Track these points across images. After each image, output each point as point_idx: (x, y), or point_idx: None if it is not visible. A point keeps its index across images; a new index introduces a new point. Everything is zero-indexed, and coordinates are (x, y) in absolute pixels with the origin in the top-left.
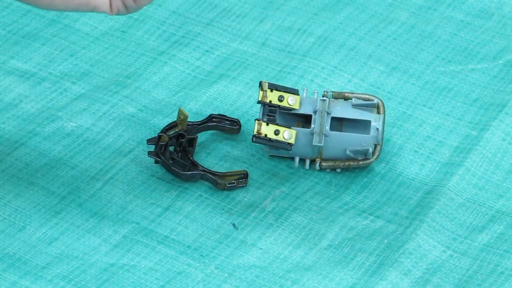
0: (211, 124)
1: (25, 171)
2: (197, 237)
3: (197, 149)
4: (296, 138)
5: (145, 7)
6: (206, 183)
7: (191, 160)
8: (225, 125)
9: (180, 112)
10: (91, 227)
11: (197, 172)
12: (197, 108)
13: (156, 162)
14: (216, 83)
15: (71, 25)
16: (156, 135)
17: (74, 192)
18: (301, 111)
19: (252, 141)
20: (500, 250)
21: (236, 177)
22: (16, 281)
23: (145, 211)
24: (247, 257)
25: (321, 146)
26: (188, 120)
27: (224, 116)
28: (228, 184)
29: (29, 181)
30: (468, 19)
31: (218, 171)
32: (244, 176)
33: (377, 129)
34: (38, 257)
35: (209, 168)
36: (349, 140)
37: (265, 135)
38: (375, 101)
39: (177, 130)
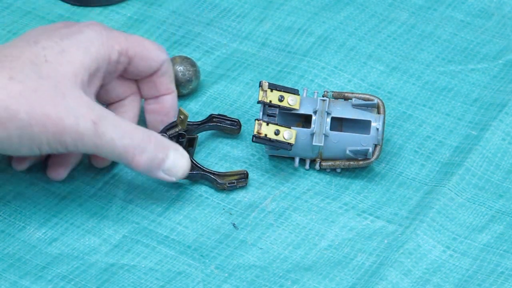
0: (211, 124)
1: (25, 171)
2: (197, 237)
3: (197, 149)
4: (296, 138)
5: (145, 7)
6: (206, 183)
7: (191, 160)
8: (225, 125)
9: (180, 112)
10: (91, 227)
11: (197, 172)
12: (197, 108)
13: None
14: (216, 83)
15: None
16: None
17: (74, 192)
18: (301, 111)
19: (252, 141)
20: (500, 250)
21: (236, 177)
22: (16, 281)
23: (145, 211)
24: (247, 257)
25: (321, 146)
26: (188, 120)
27: (224, 116)
28: (228, 184)
29: (29, 181)
30: (468, 19)
31: (218, 171)
32: (244, 176)
33: (377, 129)
34: (38, 257)
35: (209, 168)
36: (349, 140)
37: (265, 135)
38: (375, 101)
39: (177, 130)
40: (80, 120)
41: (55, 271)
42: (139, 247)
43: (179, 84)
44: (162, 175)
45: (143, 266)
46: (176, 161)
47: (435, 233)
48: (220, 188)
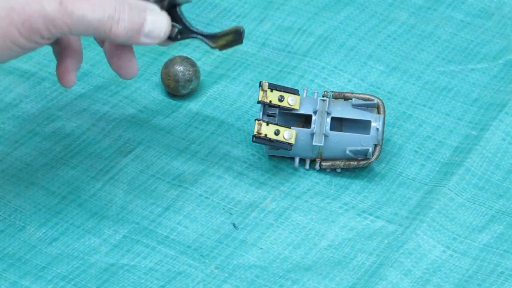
0: None
1: (25, 171)
2: (197, 237)
3: (196, 148)
4: (296, 138)
5: None
6: (206, 182)
7: (183, 22)
8: None
9: None
10: (91, 227)
11: (187, 36)
12: (197, 108)
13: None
14: (216, 83)
15: None
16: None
17: (74, 192)
18: (301, 111)
19: (252, 141)
20: (500, 250)
21: (229, 37)
22: (16, 281)
23: (145, 211)
24: (247, 257)
25: (321, 146)
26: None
27: None
28: (221, 48)
29: (29, 181)
30: (468, 19)
31: (210, 33)
32: (238, 35)
33: (377, 129)
34: (38, 257)
35: (201, 30)
36: (349, 140)
37: (265, 135)
38: (375, 101)
39: None
40: (44, 2)
41: (55, 271)
42: (139, 247)
43: (179, 84)
44: (145, 40)
45: (143, 266)
46: (155, 22)
47: (435, 233)
48: (214, 47)
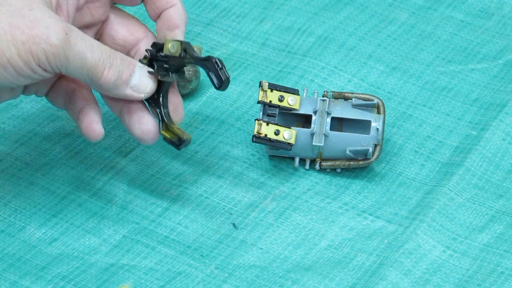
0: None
1: (25, 171)
2: (197, 237)
3: (197, 148)
4: (296, 138)
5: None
6: (206, 182)
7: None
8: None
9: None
10: (91, 227)
11: (158, 109)
12: (197, 108)
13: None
14: None
15: None
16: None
17: (74, 192)
18: (301, 111)
19: (252, 141)
20: (500, 250)
21: (173, 137)
22: (16, 281)
23: (145, 211)
24: (247, 257)
25: (321, 146)
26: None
27: (223, 64)
28: (163, 138)
29: (29, 181)
30: (468, 19)
31: (170, 120)
32: (176, 144)
33: (377, 129)
34: (38, 257)
35: (167, 112)
36: (349, 140)
37: (265, 135)
38: (375, 101)
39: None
40: (51, 30)
41: (55, 271)
42: (139, 247)
43: (179, 84)
44: (129, 92)
45: (143, 266)
46: (142, 77)
47: (435, 233)
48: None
